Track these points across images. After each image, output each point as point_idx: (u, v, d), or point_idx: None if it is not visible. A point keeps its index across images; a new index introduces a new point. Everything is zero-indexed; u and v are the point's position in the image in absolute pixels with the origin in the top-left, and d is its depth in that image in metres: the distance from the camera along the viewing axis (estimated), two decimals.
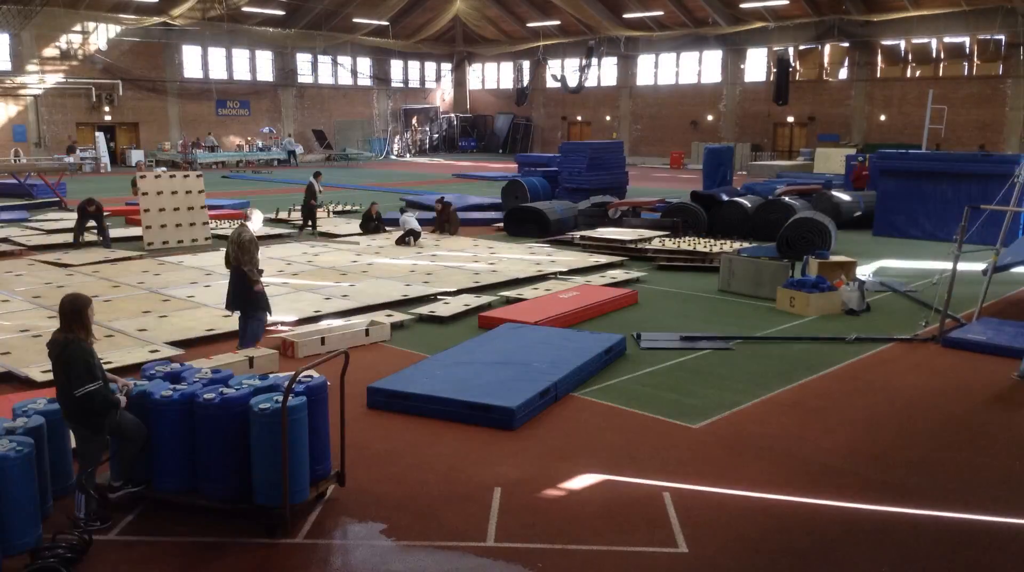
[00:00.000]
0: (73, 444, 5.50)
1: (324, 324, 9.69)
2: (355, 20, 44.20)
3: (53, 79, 36.55)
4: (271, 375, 5.99)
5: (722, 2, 39.07)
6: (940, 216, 16.90)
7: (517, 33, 48.27)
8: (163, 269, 13.47)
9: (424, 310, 10.65)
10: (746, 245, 14.79)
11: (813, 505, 5.68)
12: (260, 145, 41.51)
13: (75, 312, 5.02)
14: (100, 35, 37.49)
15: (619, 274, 13.34)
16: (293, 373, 5.27)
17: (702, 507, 5.60)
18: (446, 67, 52.96)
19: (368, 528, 5.32)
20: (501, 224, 18.51)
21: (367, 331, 9.19)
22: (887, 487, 5.94)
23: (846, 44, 38.14)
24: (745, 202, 18.10)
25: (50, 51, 36.40)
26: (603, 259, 14.65)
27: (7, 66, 35.66)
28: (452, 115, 53.09)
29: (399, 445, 6.62)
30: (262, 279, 8.49)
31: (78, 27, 36.65)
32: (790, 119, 40.01)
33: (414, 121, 50.44)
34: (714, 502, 5.68)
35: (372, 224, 17.80)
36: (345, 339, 8.93)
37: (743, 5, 38.67)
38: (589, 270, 13.79)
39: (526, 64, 49.72)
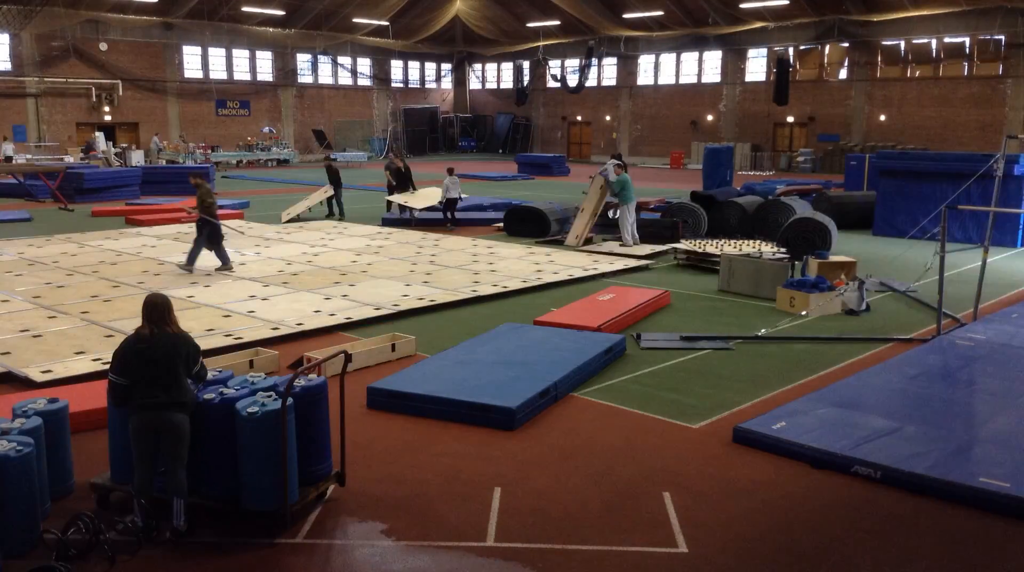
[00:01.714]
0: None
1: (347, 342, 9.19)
2: (355, 20, 44.20)
3: (53, 79, 36.55)
4: (269, 376, 5.99)
5: (722, 2, 39.05)
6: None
7: (517, 33, 48.25)
8: (163, 269, 13.48)
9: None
10: (777, 250, 13.83)
11: (813, 505, 5.68)
12: (261, 144, 41.51)
13: (168, 307, 5.25)
14: (100, 35, 37.49)
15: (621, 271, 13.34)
16: (291, 376, 5.28)
17: (702, 507, 5.60)
18: (446, 67, 52.94)
19: (368, 528, 5.32)
20: (501, 224, 18.52)
21: (393, 347, 8.88)
22: (888, 487, 5.94)
23: (846, 44, 38.13)
24: (744, 202, 18.11)
25: (50, 51, 36.39)
26: (603, 258, 14.66)
27: (7, 66, 35.65)
28: (452, 115, 53.06)
29: (399, 445, 6.62)
30: None
31: (78, 27, 36.63)
32: (790, 119, 40.01)
33: (424, 123, 50.33)
34: (714, 502, 5.69)
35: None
36: (372, 355, 8.64)
37: (743, 5, 38.65)
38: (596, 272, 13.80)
39: (526, 64, 49.67)
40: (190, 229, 18.07)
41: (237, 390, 5.44)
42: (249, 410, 5.14)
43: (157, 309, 5.19)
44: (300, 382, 5.54)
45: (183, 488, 5.06)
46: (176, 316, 5.35)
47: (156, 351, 5.08)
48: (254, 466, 5.16)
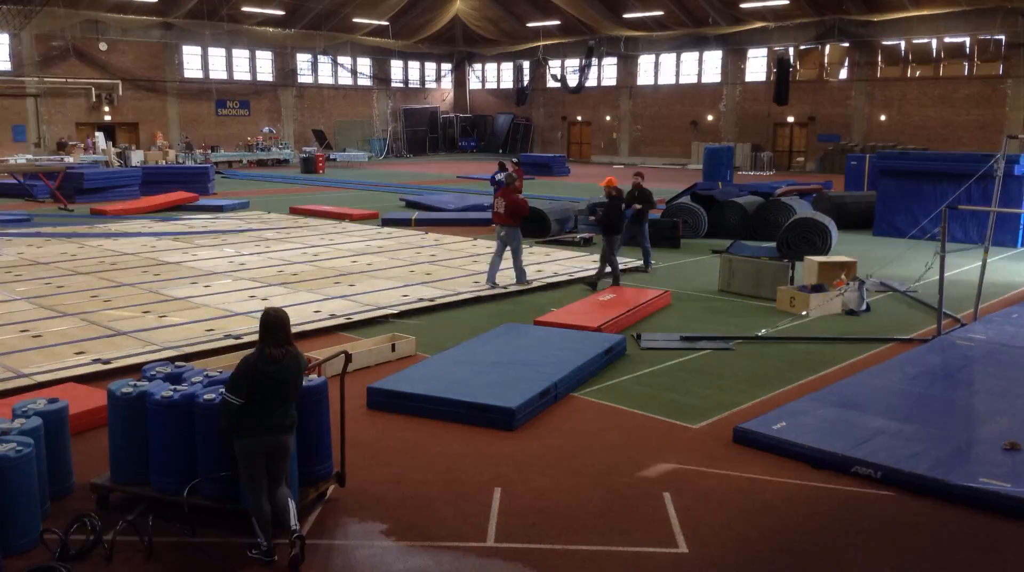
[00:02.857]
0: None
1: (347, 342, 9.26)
2: (355, 20, 44.18)
3: (53, 79, 36.53)
4: None
5: (722, 2, 39.03)
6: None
7: (517, 33, 48.22)
8: (163, 269, 13.48)
9: None
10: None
11: (813, 505, 5.68)
12: (260, 144, 41.50)
13: (287, 324, 4.98)
14: (100, 35, 37.49)
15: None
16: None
17: (702, 507, 5.61)
18: (446, 67, 52.91)
19: (368, 528, 5.32)
20: None
21: (393, 347, 8.87)
22: (888, 487, 5.94)
23: (846, 44, 38.11)
24: (744, 202, 18.11)
25: (50, 51, 36.38)
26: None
27: (7, 66, 35.64)
28: (452, 115, 53.05)
29: (399, 445, 6.62)
30: None
31: (78, 27, 36.61)
32: (790, 119, 39.99)
33: (424, 123, 50.27)
34: (714, 502, 5.69)
35: None
36: (372, 356, 8.64)
37: (743, 5, 38.64)
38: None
39: (526, 64, 49.64)
40: (189, 229, 18.10)
41: None
42: None
43: (282, 327, 4.93)
44: None
45: (292, 494, 5.08)
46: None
47: (286, 372, 4.90)
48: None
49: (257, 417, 4.85)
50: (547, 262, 14.33)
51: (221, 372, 5.90)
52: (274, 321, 4.91)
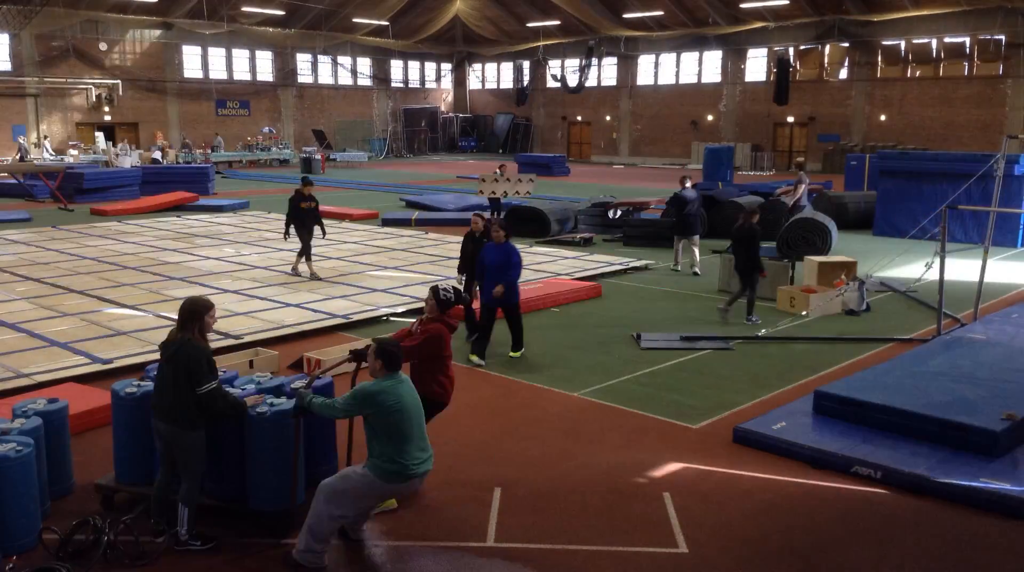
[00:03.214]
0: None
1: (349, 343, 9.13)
2: (355, 20, 44.18)
3: (53, 79, 36.53)
4: (274, 377, 5.99)
5: (722, 2, 39.02)
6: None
7: (517, 33, 48.21)
8: (163, 269, 13.48)
9: None
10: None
11: (813, 505, 5.68)
12: (260, 144, 41.48)
13: (193, 313, 4.96)
14: (100, 35, 37.49)
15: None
16: (309, 377, 5.33)
17: (702, 507, 5.61)
18: (446, 67, 52.90)
19: (368, 528, 5.32)
20: None
21: None
22: (888, 487, 5.94)
23: (846, 44, 38.11)
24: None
25: (50, 51, 36.38)
26: (603, 258, 14.66)
27: (7, 66, 35.64)
28: (452, 115, 53.04)
29: None
30: None
31: (78, 27, 36.62)
32: (790, 119, 39.99)
33: (423, 123, 50.25)
34: (714, 502, 5.69)
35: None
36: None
37: (743, 5, 38.63)
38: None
39: (526, 64, 49.63)
40: (188, 230, 18.08)
41: (244, 390, 5.46)
42: (259, 410, 5.14)
43: (184, 313, 4.98)
44: (300, 384, 5.54)
45: (186, 498, 4.99)
46: (205, 324, 4.99)
47: (167, 352, 5.00)
48: (262, 467, 5.17)
49: (154, 396, 5.05)
50: (548, 262, 14.32)
51: (224, 372, 5.90)
52: (182, 307, 5.06)
